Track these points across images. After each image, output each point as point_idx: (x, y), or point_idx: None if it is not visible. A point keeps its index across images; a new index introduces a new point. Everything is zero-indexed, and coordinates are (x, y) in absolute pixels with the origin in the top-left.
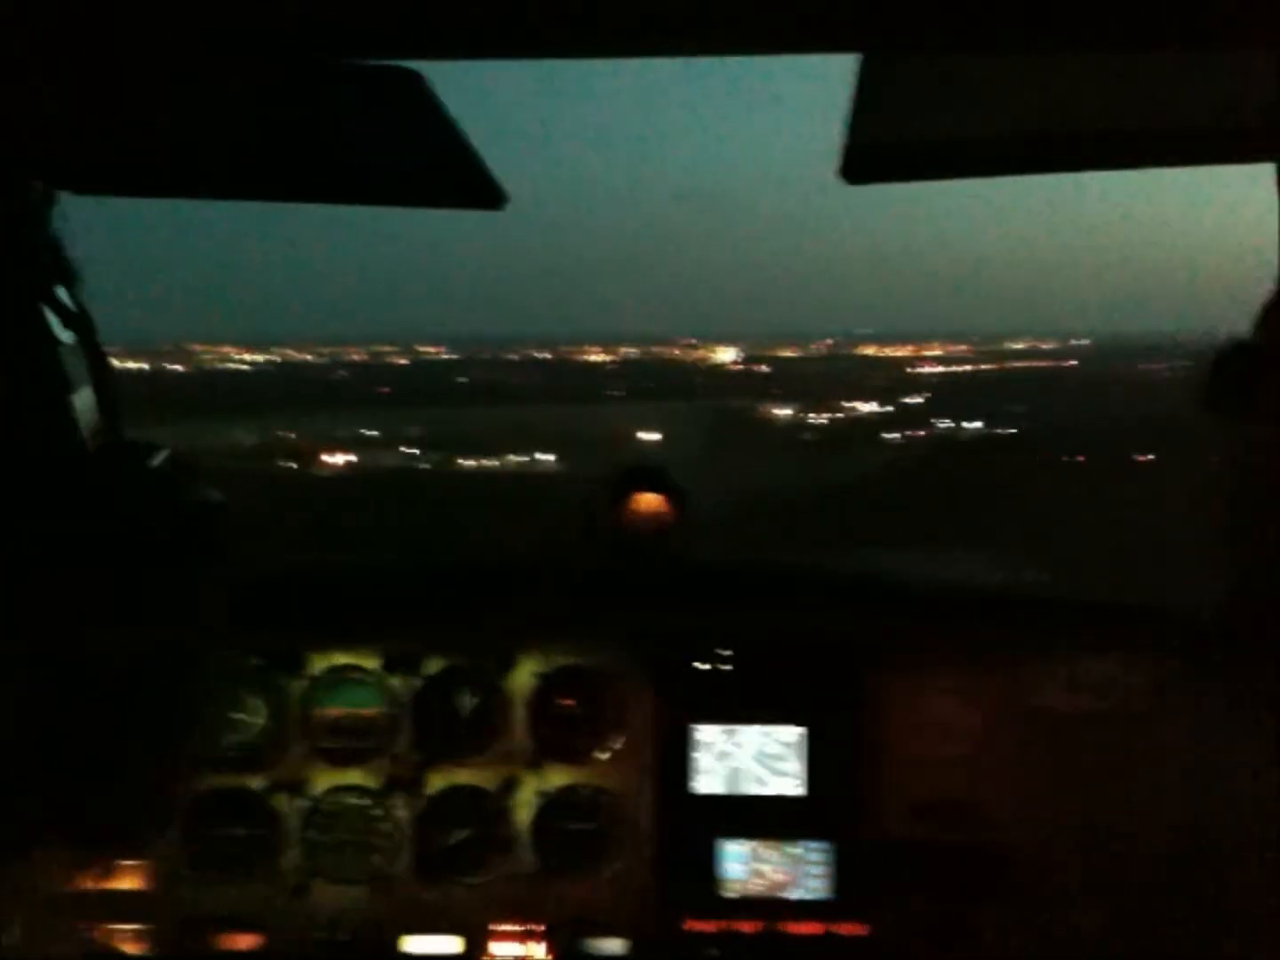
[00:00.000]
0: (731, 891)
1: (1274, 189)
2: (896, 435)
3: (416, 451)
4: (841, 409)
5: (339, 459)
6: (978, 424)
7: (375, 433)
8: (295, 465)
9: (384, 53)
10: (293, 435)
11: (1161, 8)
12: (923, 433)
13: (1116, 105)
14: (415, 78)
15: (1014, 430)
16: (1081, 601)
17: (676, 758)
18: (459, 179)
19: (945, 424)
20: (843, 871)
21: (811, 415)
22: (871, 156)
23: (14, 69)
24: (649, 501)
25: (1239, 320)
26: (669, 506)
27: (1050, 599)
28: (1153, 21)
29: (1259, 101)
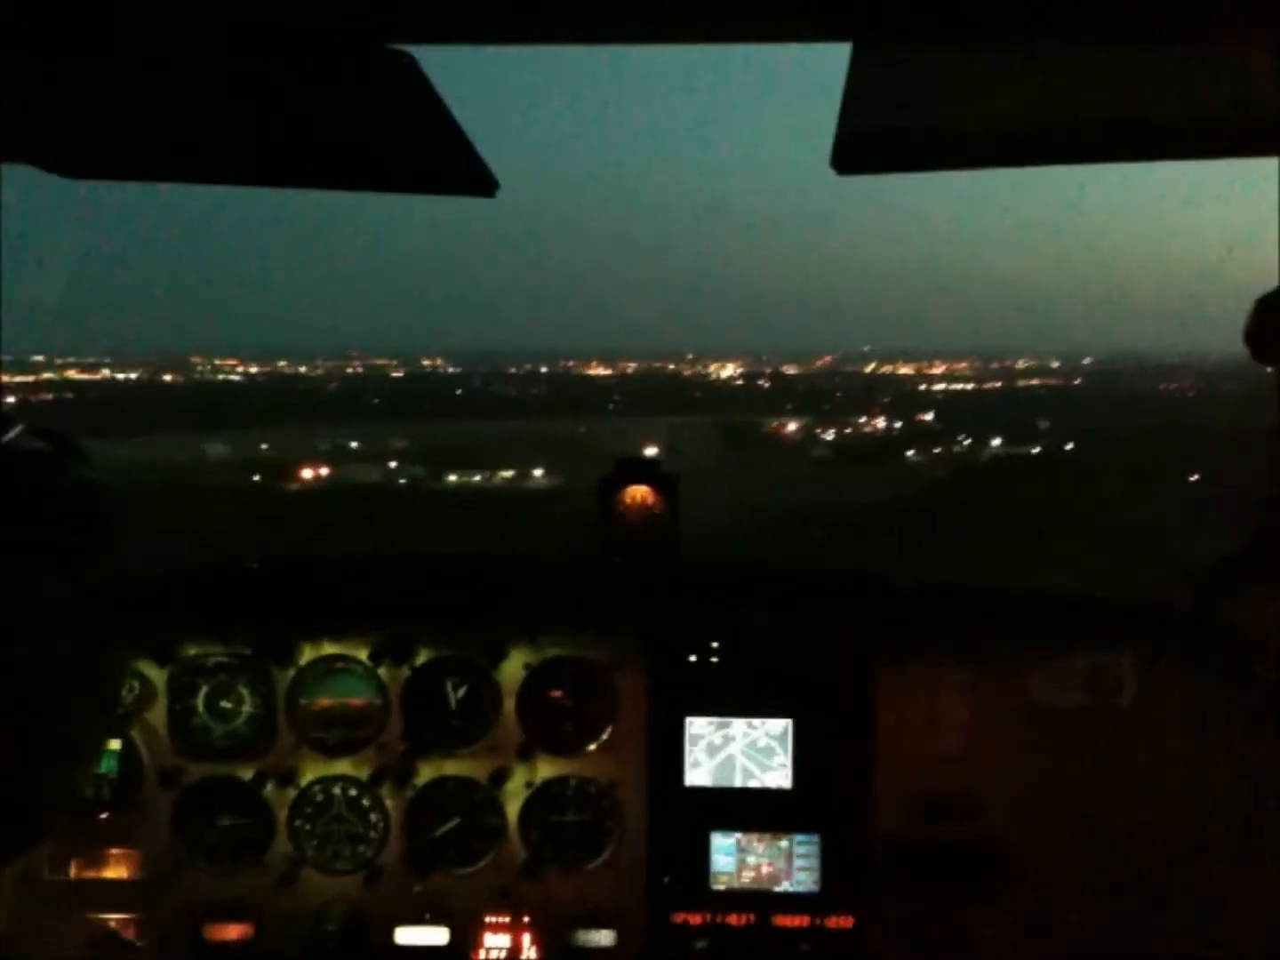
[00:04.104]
0: (720, 884)
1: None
2: (913, 453)
3: (395, 465)
4: (851, 424)
5: (314, 472)
6: (997, 441)
7: (357, 445)
8: (261, 479)
9: (379, 35)
10: (264, 447)
11: (1154, 2)
12: (939, 450)
13: (1112, 96)
14: (407, 61)
15: (1038, 449)
16: (1072, 597)
17: (669, 750)
18: (451, 165)
19: (966, 441)
20: (830, 864)
21: (821, 430)
22: (862, 147)
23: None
24: (639, 494)
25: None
26: (659, 498)
27: (1041, 595)
28: (1151, 12)
29: (1261, 95)
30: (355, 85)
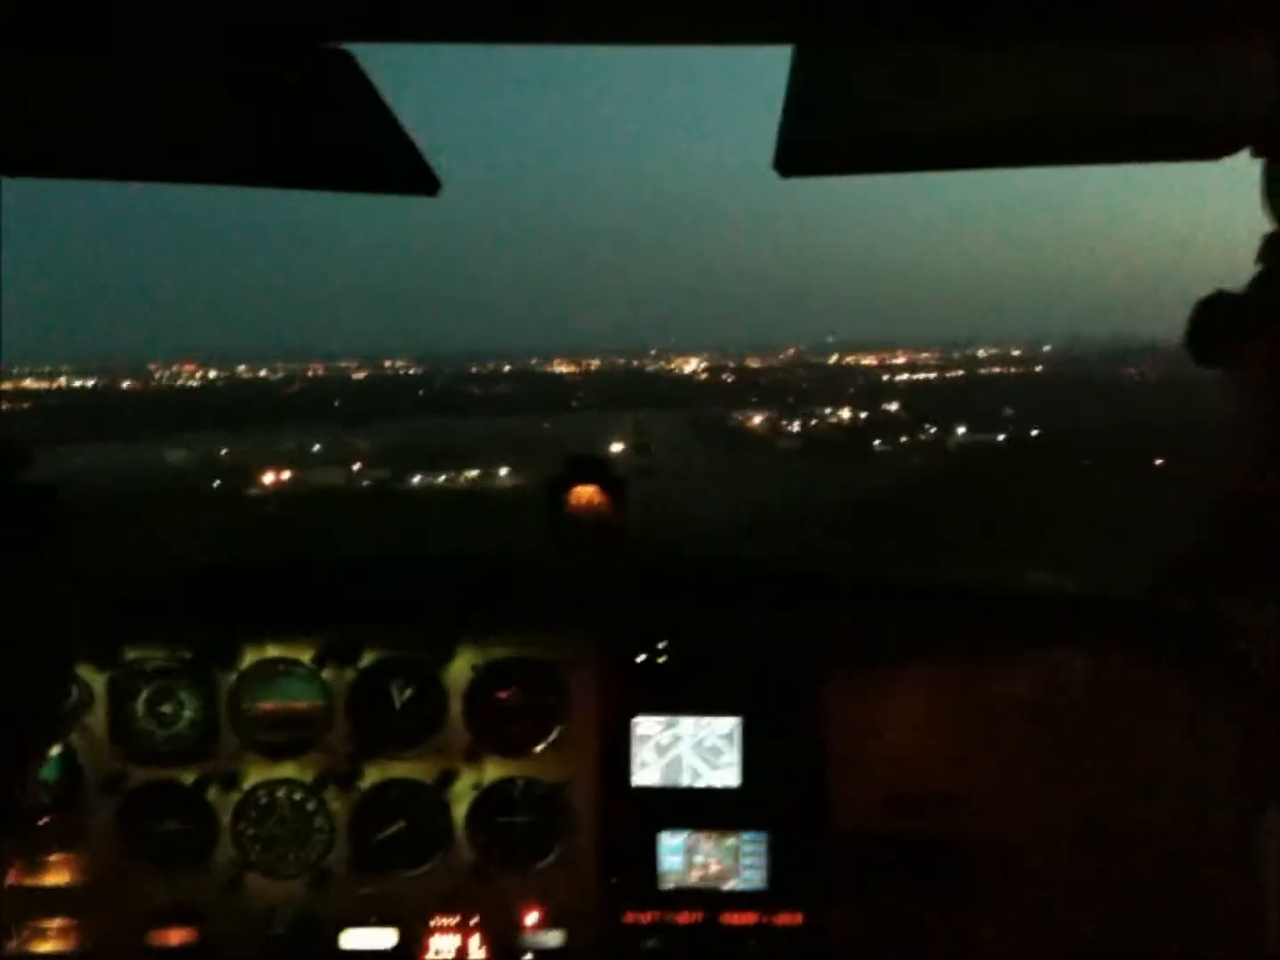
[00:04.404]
0: (669, 883)
1: (1224, 188)
2: (879, 442)
3: (358, 467)
4: (818, 415)
5: (275, 476)
6: (962, 429)
7: (318, 448)
8: (222, 483)
9: (319, 34)
10: (223, 452)
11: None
12: (905, 439)
13: (1065, 98)
14: (347, 58)
15: (1003, 436)
16: (1025, 593)
17: (617, 750)
18: (391, 163)
19: (932, 430)
20: (778, 862)
21: (786, 422)
22: (804, 149)
23: None
24: (587, 494)
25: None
26: (607, 498)
27: (992, 592)
28: (1095, 10)
29: (1222, 96)
30: (295, 83)
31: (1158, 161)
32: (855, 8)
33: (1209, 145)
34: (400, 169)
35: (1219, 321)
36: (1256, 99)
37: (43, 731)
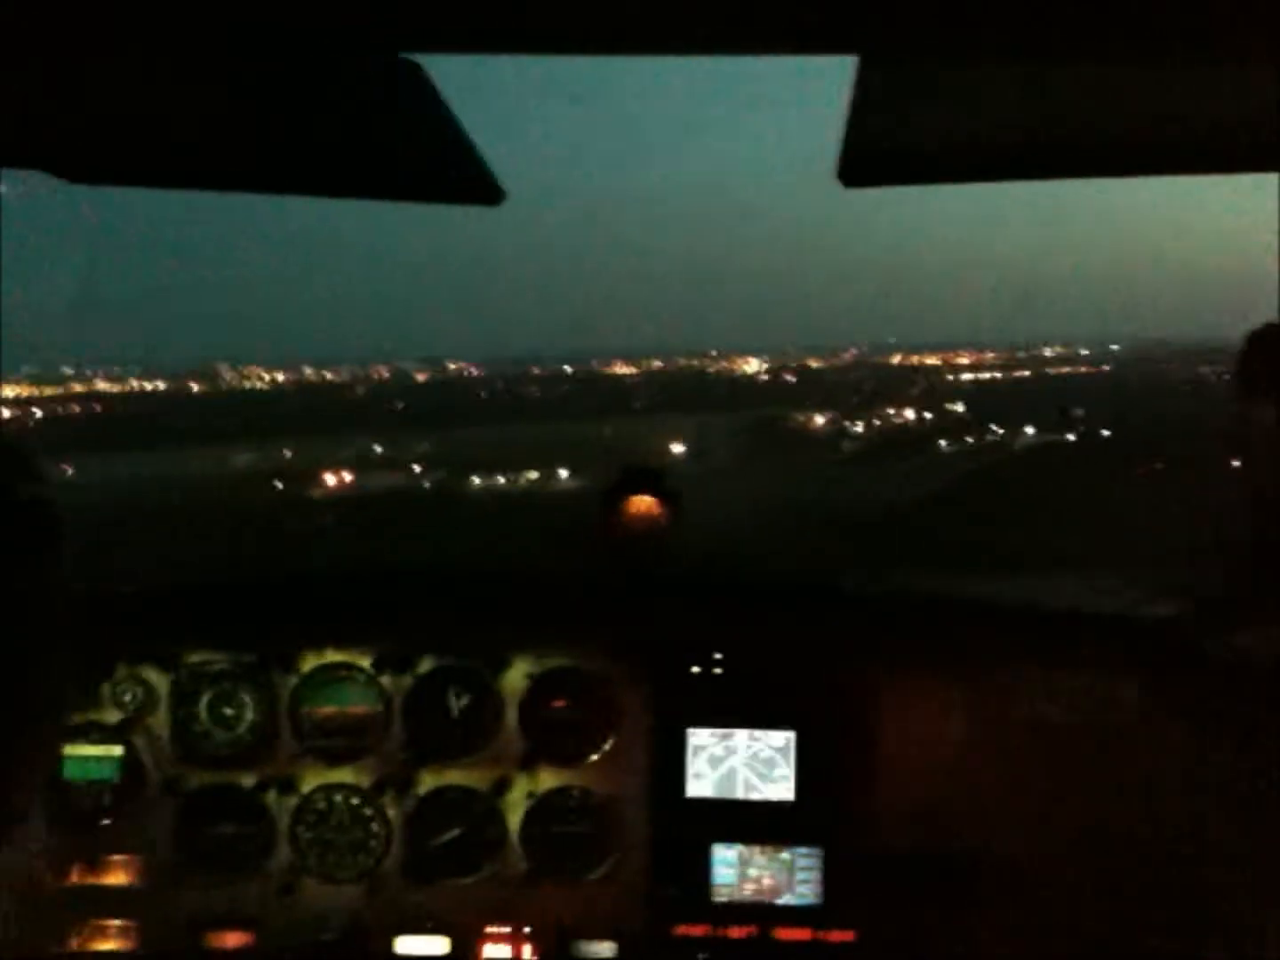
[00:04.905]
0: (722, 896)
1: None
2: (946, 443)
3: (419, 469)
4: (881, 416)
5: (336, 479)
6: (1030, 430)
7: (380, 450)
8: (284, 486)
9: (385, 45)
10: (288, 454)
11: (1161, 16)
12: (971, 439)
13: (1116, 112)
14: (414, 69)
15: (1074, 436)
16: (1069, 612)
17: (671, 761)
18: (456, 173)
19: (999, 431)
20: (832, 877)
21: (849, 424)
22: (868, 160)
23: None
24: (643, 504)
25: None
26: (663, 509)
27: (1039, 610)
28: (1153, 29)
29: (1259, 111)
30: (361, 93)
31: (1219, 173)
32: (918, 19)
33: (1269, 157)
34: (465, 179)
35: (1269, 357)
36: None
37: (36, 740)
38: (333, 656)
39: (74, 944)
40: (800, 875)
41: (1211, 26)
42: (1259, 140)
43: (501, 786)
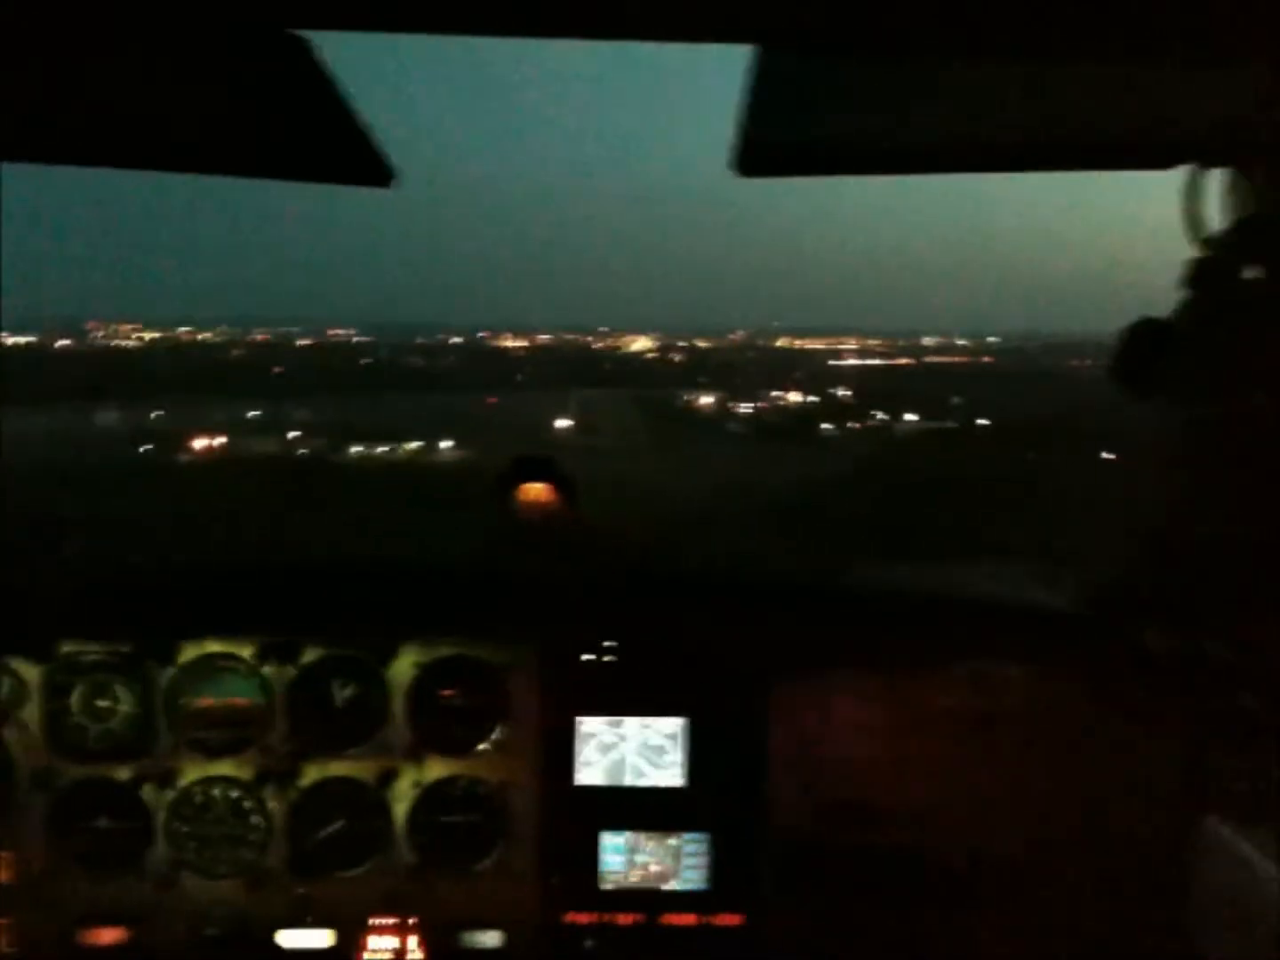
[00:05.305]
0: (610, 883)
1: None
2: (830, 427)
3: (295, 435)
4: (766, 398)
5: (207, 443)
6: (912, 416)
7: (255, 414)
8: (151, 448)
9: (277, 20)
10: (156, 416)
11: (1072, 18)
12: (855, 424)
13: (1012, 111)
14: (302, 44)
15: (955, 424)
16: (968, 602)
17: (560, 750)
18: (345, 153)
19: (881, 416)
20: (719, 863)
21: (735, 405)
22: (762, 150)
23: None
24: (536, 491)
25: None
26: (556, 496)
27: (937, 600)
28: (1053, 30)
29: (1164, 110)
30: (251, 70)
31: (1108, 170)
32: (816, 11)
33: (1159, 155)
34: (357, 161)
35: (1143, 352)
36: (1210, 112)
37: None
38: (213, 647)
39: None
40: (687, 861)
41: (1111, 27)
42: (1157, 139)
43: (388, 777)
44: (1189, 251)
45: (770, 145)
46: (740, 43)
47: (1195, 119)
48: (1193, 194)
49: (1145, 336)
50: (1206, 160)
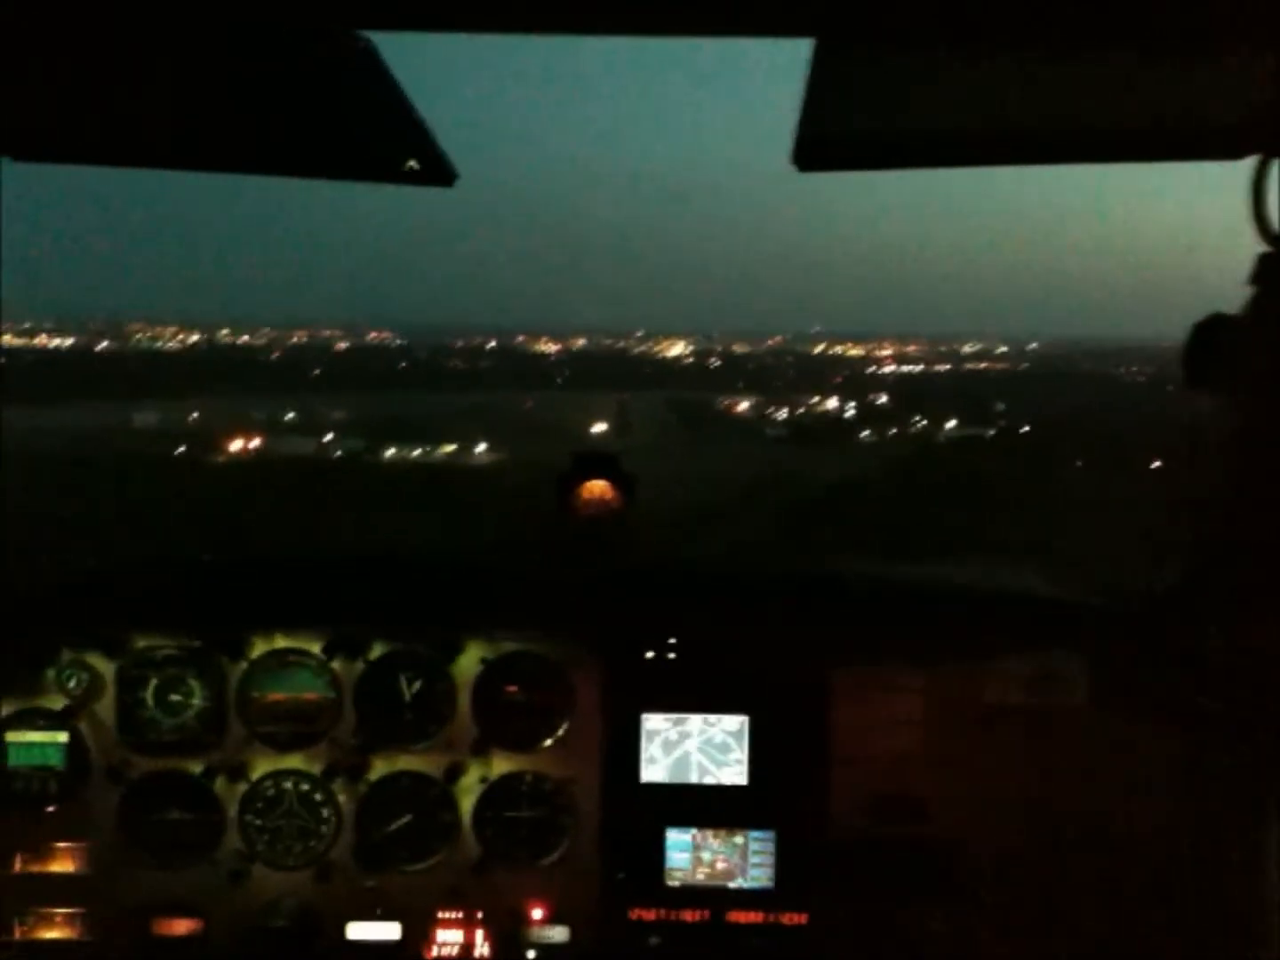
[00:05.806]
0: (675, 880)
1: (1221, 190)
2: (868, 433)
3: (331, 437)
4: (804, 404)
5: (243, 444)
6: (952, 423)
7: (292, 416)
8: (186, 449)
9: (338, 20)
10: (195, 416)
11: (1122, 6)
12: (894, 431)
13: (1074, 100)
14: (367, 47)
15: (995, 430)
16: (1024, 598)
17: (625, 746)
18: (409, 154)
19: (921, 423)
20: (785, 861)
21: (772, 410)
22: (823, 145)
23: None
24: (597, 489)
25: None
26: (617, 494)
27: (994, 596)
28: (1114, 19)
29: (1223, 100)
30: (314, 71)
31: (1169, 160)
32: (875, 5)
33: (1222, 145)
34: (420, 160)
35: (1216, 347)
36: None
37: None
38: (282, 642)
39: (19, 933)
40: (754, 859)
41: (1172, 19)
42: (1215, 126)
43: (454, 772)
44: (1234, 255)
45: (830, 140)
46: (798, 36)
47: (1266, 109)
48: (1260, 187)
49: (1214, 332)
50: (1272, 150)
